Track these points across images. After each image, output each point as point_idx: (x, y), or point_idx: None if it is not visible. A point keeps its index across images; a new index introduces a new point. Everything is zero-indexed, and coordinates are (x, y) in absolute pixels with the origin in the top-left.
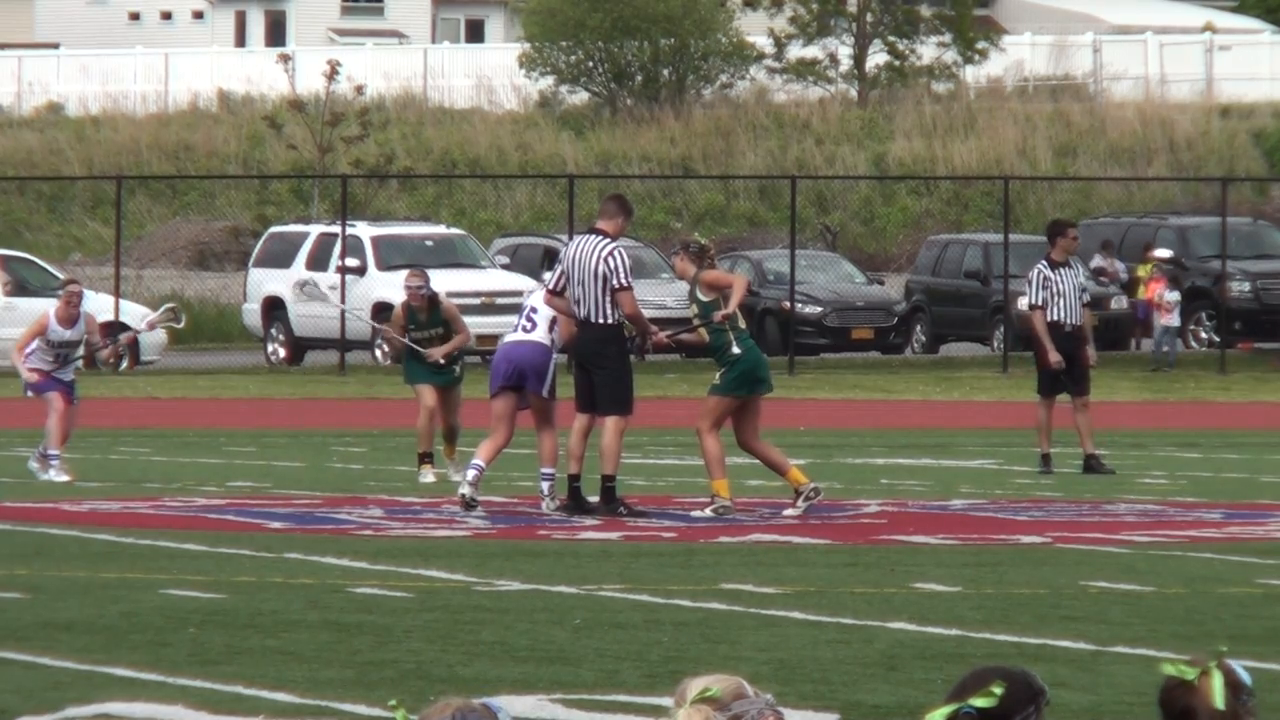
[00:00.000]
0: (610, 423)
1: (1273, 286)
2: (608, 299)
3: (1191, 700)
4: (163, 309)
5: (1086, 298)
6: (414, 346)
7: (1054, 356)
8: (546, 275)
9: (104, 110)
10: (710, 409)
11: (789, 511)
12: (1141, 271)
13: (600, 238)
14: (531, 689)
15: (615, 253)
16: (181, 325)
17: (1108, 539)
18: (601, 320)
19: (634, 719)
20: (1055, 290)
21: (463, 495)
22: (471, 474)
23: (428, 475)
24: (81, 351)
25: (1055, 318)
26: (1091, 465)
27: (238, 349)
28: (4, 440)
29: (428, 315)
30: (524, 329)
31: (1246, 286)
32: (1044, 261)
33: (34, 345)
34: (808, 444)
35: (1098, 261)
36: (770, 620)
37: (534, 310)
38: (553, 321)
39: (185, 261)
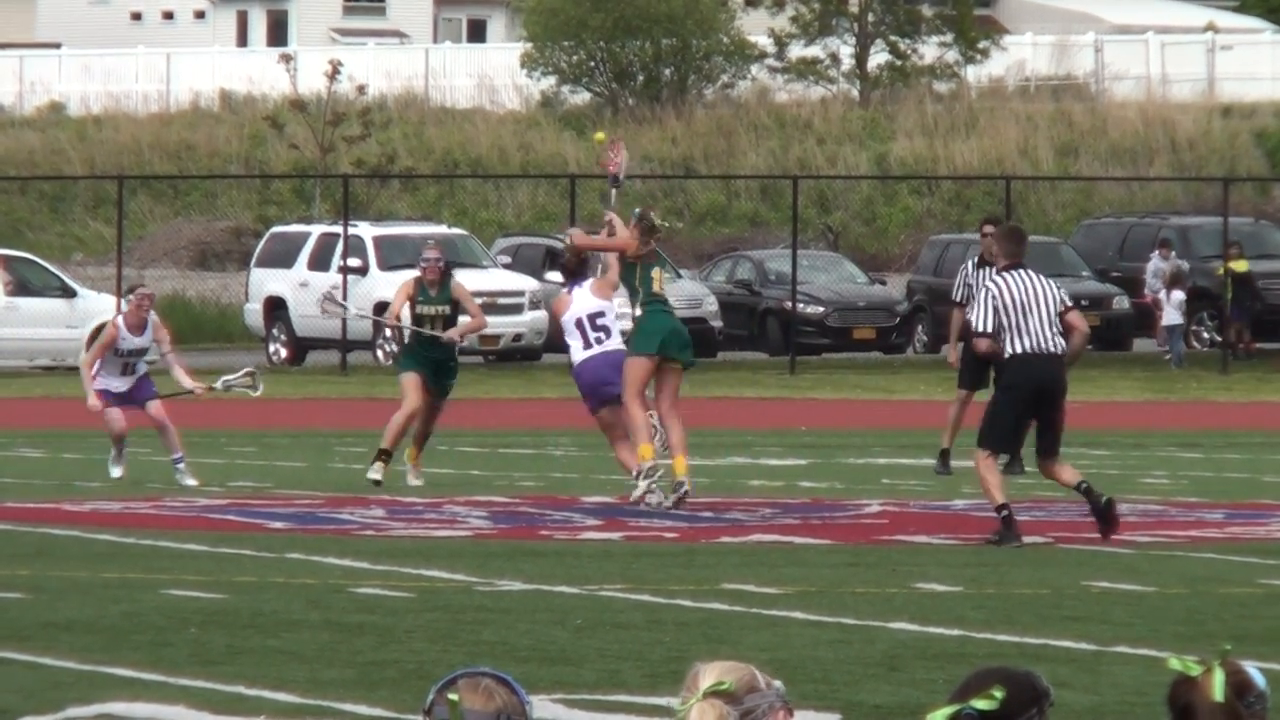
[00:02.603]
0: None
1: (1275, 286)
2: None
3: (1193, 696)
4: (242, 372)
5: None
6: (421, 331)
7: (951, 356)
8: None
9: (106, 110)
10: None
11: (636, 494)
12: (1240, 266)
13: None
14: (533, 689)
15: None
16: (258, 393)
17: (1110, 539)
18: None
19: (636, 719)
20: (975, 288)
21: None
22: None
23: (377, 473)
24: (143, 369)
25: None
26: (1012, 467)
27: (239, 349)
28: (5, 440)
29: (438, 290)
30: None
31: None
32: (972, 260)
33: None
34: (809, 444)
35: (1156, 262)
36: (772, 620)
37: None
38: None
39: (187, 261)
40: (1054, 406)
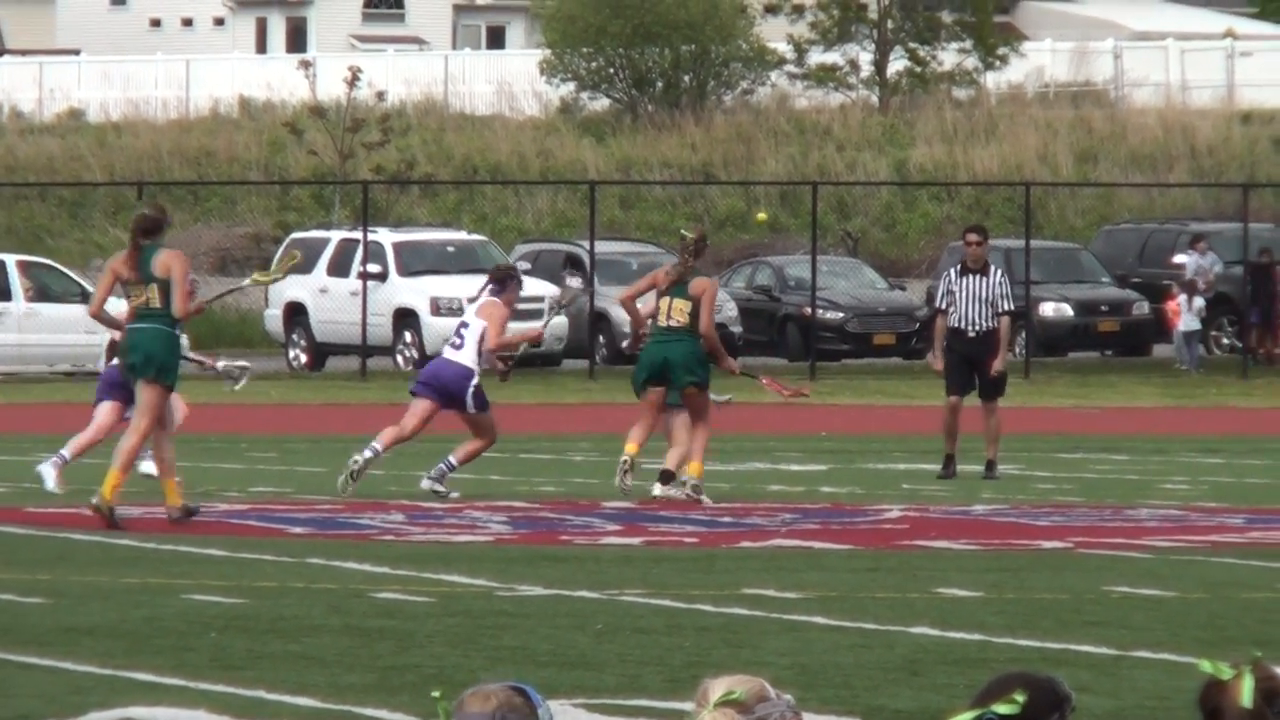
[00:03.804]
0: None
1: None
2: None
3: (1222, 700)
4: (240, 363)
5: (1005, 305)
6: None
7: (936, 363)
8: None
9: (125, 116)
10: None
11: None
12: None
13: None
14: (554, 694)
15: None
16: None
17: (1130, 544)
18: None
19: None
20: (958, 296)
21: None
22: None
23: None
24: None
25: (957, 324)
26: (989, 471)
27: (259, 354)
28: (26, 446)
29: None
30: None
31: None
32: (955, 266)
33: None
34: (830, 449)
35: (1196, 259)
36: (792, 625)
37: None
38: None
39: (207, 267)
40: None
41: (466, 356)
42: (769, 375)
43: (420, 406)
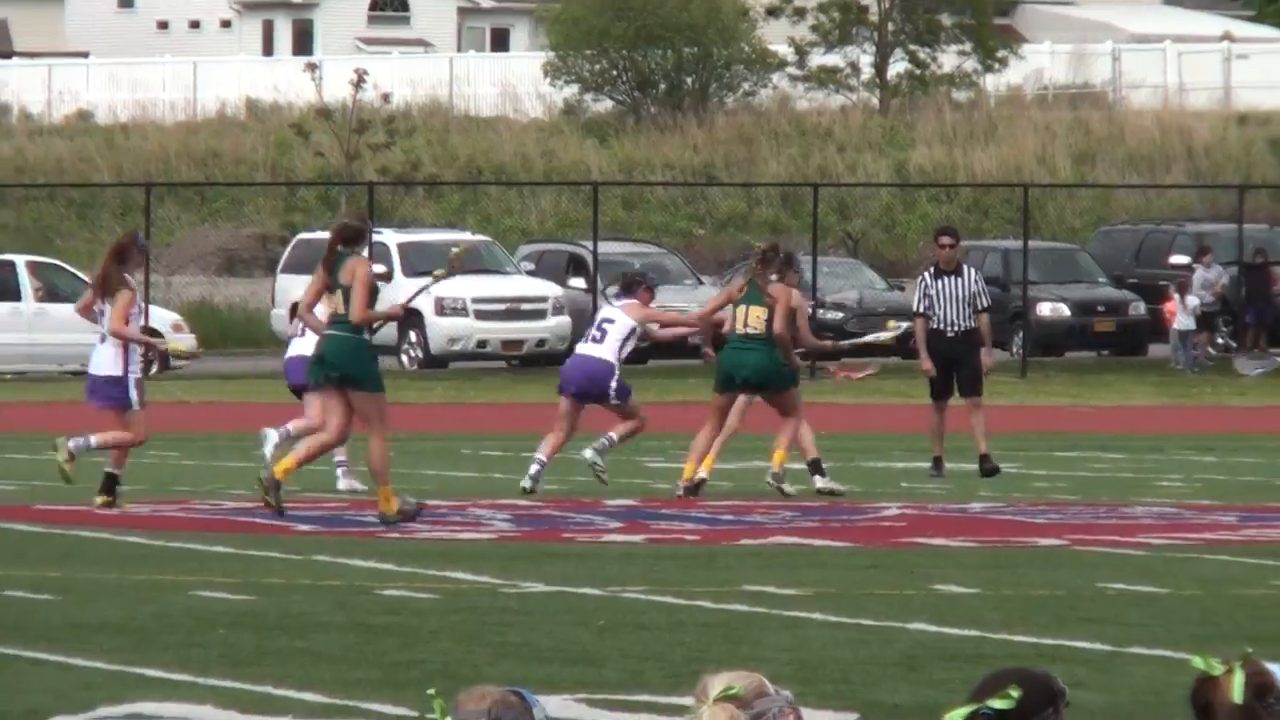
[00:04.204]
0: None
1: None
2: None
3: (1214, 695)
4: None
5: (983, 302)
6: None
7: (925, 365)
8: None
9: (133, 118)
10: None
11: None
12: None
13: None
14: (556, 689)
15: None
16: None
17: (1124, 541)
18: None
19: (658, 718)
20: (935, 298)
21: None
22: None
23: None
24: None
25: (937, 325)
26: (984, 466)
27: (266, 354)
28: (35, 444)
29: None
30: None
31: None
32: (929, 270)
33: None
34: (829, 447)
35: (1201, 273)
36: (791, 621)
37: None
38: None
39: (214, 268)
40: None
41: (608, 351)
42: (836, 365)
43: (564, 407)
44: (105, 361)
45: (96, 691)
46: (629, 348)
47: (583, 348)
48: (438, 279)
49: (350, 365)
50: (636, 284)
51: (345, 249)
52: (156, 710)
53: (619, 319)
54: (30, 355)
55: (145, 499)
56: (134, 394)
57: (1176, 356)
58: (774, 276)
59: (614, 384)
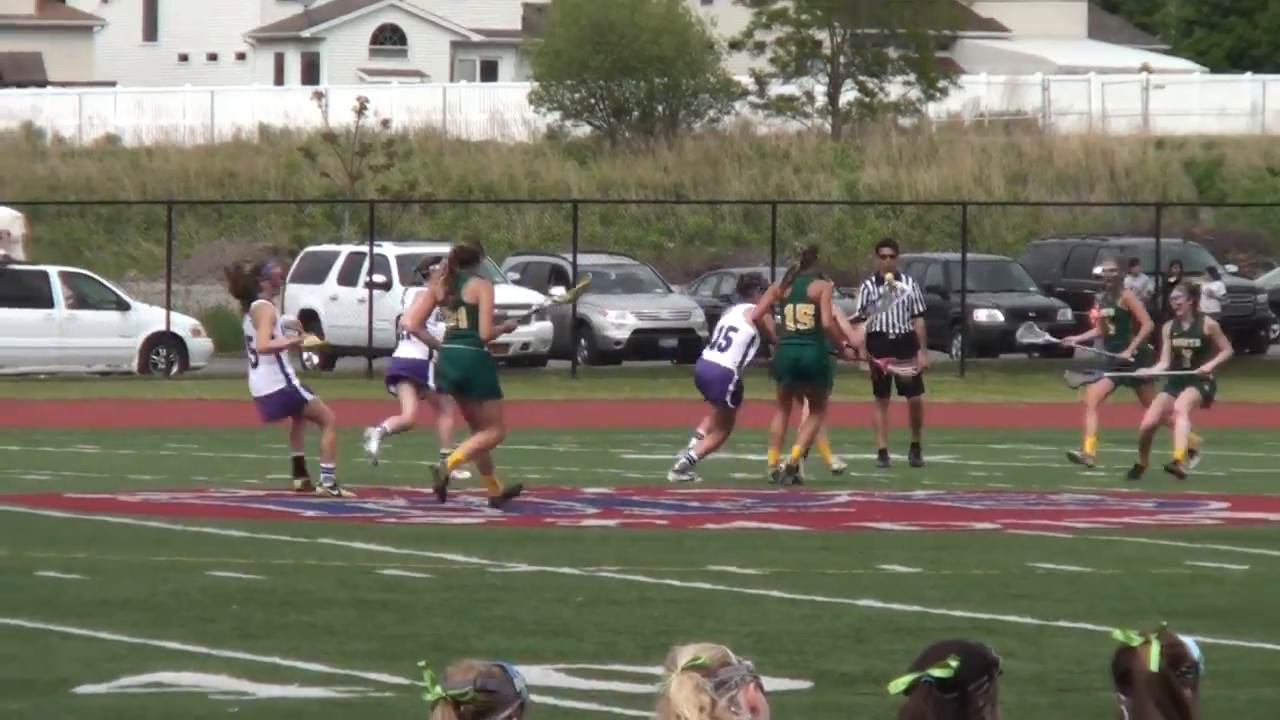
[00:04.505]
0: None
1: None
2: None
3: (1132, 664)
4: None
5: (919, 308)
6: None
7: (865, 361)
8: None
9: (156, 142)
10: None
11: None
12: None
13: None
14: (538, 659)
15: None
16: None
17: (1052, 525)
18: None
19: (630, 686)
20: (876, 303)
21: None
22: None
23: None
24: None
25: (879, 328)
26: (914, 455)
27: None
28: (65, 438)
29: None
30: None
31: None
32: (871, 279)
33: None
34: (786, 440)
35: (1129, 281)
36: (751, 598)
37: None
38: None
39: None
40: None
41: (729, 358)
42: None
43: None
44: (262, 382)
45: (120, 662)
46: (751, 354)
47: (708, 354)
48: (556, 301)
49: (478, 375)
50: (752, 286)
51: (463, 270)
52: (175, 679)
53: (741, 327)
54: (61, 357)
55: (165, 488)
56: (305, 394)
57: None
58: (815, 275)
59: (731, 387)
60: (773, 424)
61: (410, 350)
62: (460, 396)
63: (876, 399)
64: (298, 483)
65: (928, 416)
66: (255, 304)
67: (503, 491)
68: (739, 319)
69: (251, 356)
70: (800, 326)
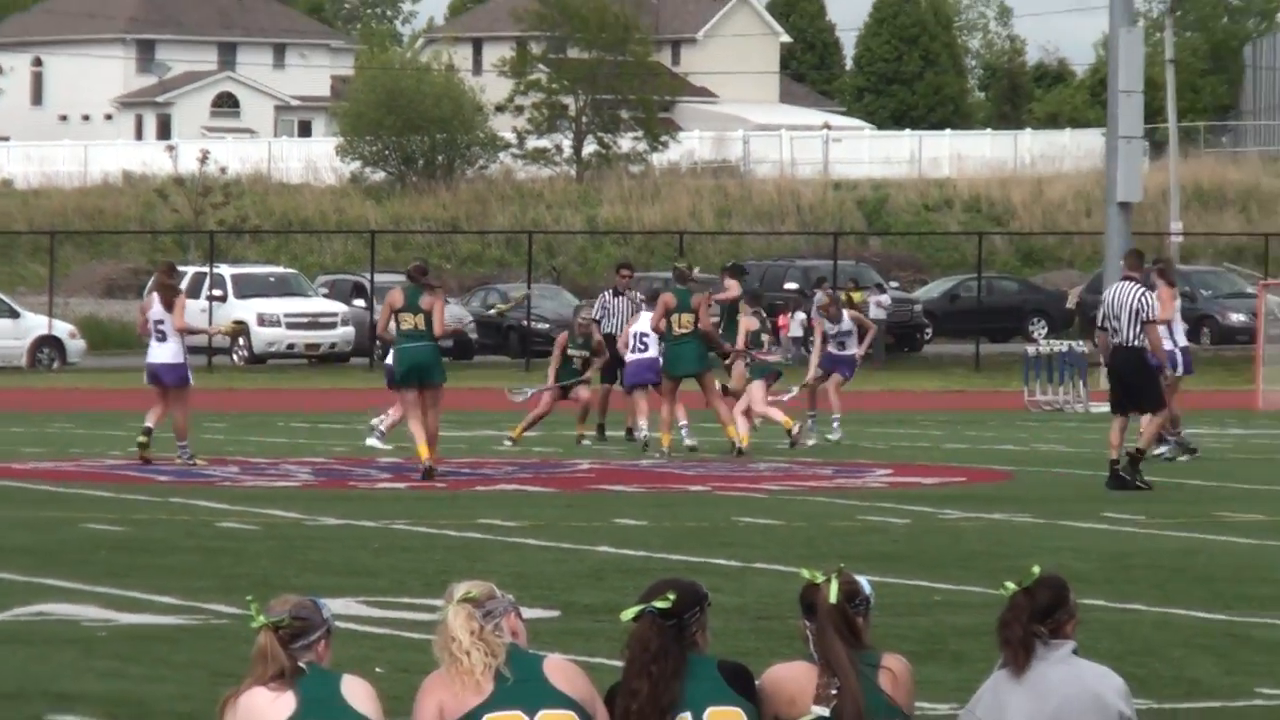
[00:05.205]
0: (1147, 418)
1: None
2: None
3: (815, 597)
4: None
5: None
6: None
7: (601, 360)
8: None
9: (41, 185)
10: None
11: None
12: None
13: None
14: (343, 594)
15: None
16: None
17: (752, 488)
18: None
19: (417, 615)
20: (610, 311)
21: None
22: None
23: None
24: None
25: (611, 331)
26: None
27: (138, 354)
28: None
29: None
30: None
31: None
32: (608, 291)
33: None
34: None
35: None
36: (513, 545)
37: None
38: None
39: (99, 292)
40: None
41: (651, 354)
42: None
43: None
44: (165, 355)
45: (13, 596)
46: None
47: (631, 356)
48: (500, 313)
49: (434, 366)
50: (656, 298)
51: (417, 285)
52: (56, 609)
53: (651, 333)
54: None
55: (49, 458)
56: (190, 376)
57: (787, 357)
58: (693, 287)
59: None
60: (662, 411)
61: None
62: (419, 382)
63: (602, 387)
64: (141, 440)
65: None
66: (170, 295)
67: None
68: (648, 325)
69: (159, 334)
70: (684, 330)
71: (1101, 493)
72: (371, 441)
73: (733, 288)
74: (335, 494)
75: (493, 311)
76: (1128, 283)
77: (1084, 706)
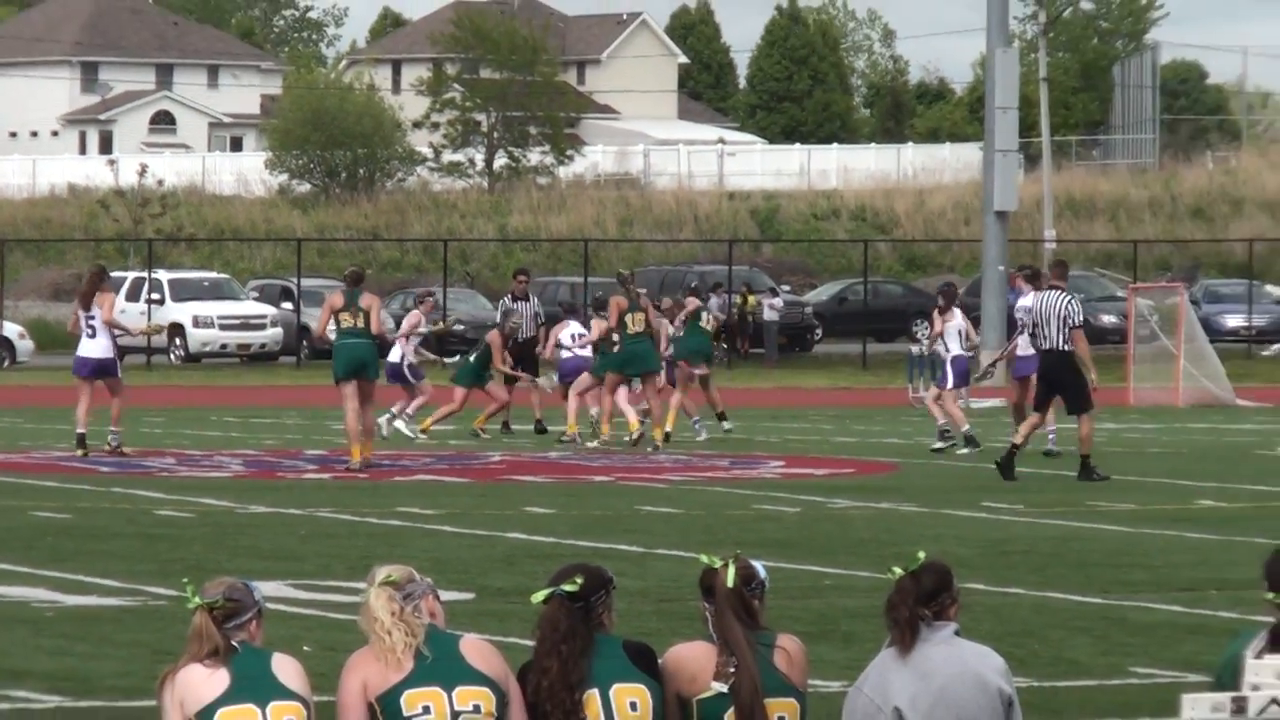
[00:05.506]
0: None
1: (761, 310)
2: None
3: (713, 581)
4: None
5: (543, 318)
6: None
7: (507, 364)
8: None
9: None
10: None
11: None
12: (750, 302)
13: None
14: (273, 577)
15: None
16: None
17: (654, 478)
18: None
19: (341, 597)
20: (515, 313)
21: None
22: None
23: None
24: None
25: (519, 338)
26: (538, 426)
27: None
28: None
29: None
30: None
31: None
32: (508, 295)
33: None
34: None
35: (715, 300)
36: (431, 532)
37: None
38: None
39: (46, 295)
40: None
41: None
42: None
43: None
44: (96, 349)
45: None
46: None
47: (580, 350)
48: (436, 330)
49: (372, 362)
50: (603, 305)
51: (356, 288)
52: (5, 591)
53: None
54: None
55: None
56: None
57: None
58: (642, 291)
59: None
60: (604, 404)
61: (398, 353)
62: (357, 377)
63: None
64: (80, 452)
65: (542, 399)
66: (100, 294)
67: (366, 461)
68: (593, 329)
69: (90, 329)
70: (637, 330)
71: (981, 483)
72: (398, 425)
73: (691, 302)
74: (265, 484)
75: (431, 330)
76: (1054, 291)
77: (966, 685)
